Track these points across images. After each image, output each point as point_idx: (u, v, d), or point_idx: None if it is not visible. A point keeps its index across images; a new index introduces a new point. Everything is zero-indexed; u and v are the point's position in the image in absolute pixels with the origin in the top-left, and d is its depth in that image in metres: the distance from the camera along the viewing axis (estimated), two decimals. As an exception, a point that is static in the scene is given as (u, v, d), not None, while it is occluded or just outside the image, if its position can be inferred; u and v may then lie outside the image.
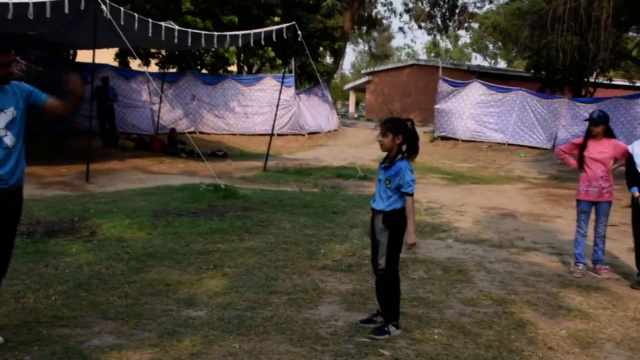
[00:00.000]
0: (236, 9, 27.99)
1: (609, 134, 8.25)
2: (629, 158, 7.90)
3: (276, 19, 27.85)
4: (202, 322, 5.63)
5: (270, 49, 29.33)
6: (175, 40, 16.31)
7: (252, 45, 24.88)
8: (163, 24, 15.89)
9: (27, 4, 12.38)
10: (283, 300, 6.35)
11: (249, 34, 18.09)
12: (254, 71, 32.64)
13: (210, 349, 5.04)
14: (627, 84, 38.61)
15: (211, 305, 6.07)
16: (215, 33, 17.72)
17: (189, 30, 16.74)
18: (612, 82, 36.87)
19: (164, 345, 5.07)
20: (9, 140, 4.75)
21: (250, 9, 28.27)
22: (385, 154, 5.69)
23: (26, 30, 13.97)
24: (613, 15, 23.48)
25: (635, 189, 7.77)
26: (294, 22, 18.77)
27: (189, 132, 24.60)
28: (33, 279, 6.69)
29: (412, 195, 5.54)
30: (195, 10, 26.13)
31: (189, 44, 17.50)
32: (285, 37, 18.60)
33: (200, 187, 13.46)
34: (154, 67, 29.23)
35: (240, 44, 25.32)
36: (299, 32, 18.13)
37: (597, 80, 33.31)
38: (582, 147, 8.27)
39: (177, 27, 16.41)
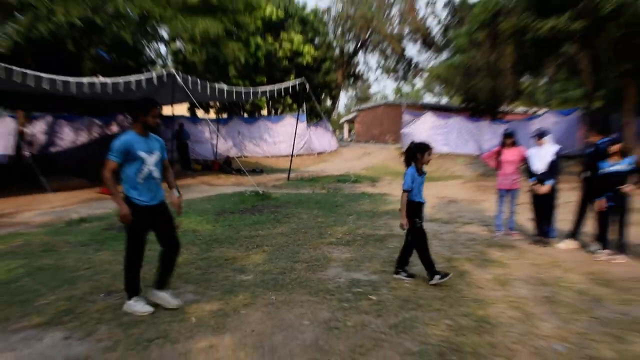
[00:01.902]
0: (264, 72, 28.27)
1: (516, 144, 8.33)
2: (527, 160, 7.99)
3: (292, 77, 28.01)
4: (250, 283, 5.70)
5: (288, 97, 29.50)
6: (225, 96, 16.40)
7: (276, 96, 25.04)
8: (217, 85, 15.97)
9: (131, 81, 12.83)
10: (303, 267, 6.40)
11: (274, 88, 18.16)
12: (278, 113, 32.75)
13: (256, 301, 5.12)
14: (525, 110, 38.57)
15: (255, 272, 6.12)
16: (251, 89, 17.79)
17: (234, 87, 16.81)
18: (515, 110, 36.85)
19: (226, 299, 5.16)
20: (156, 173, 4.83)
21: (274, 72, 28.51)
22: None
23: (129, 96, 14.16)
24: (512, 66, 23.49)
25: (532, 179, 7.85)
26: (303, 78, 18.79)
27: (237, 157, 24.72)
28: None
29: None
30: (237, 75, 26.35)
31: (234, 98, 17.55)
32: (298, 89, 18.64)
33: (245, 193, 13.49)
34: (212, 114, 29.48)
35: (268, 96, 25.49)
36: (307, 85, 18.14)
37: (506, 108, 33.26)
38: (499, 153, 8.34)
39: (226, 87, 16.47)
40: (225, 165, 21.74)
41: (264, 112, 32.40)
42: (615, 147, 6.89)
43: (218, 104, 27.72)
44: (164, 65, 23.81)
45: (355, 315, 4.76)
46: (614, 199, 6.87)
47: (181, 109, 26.14)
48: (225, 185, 16.49)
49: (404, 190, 5.85)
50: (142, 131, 4.79)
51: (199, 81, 14.56)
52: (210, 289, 5.51)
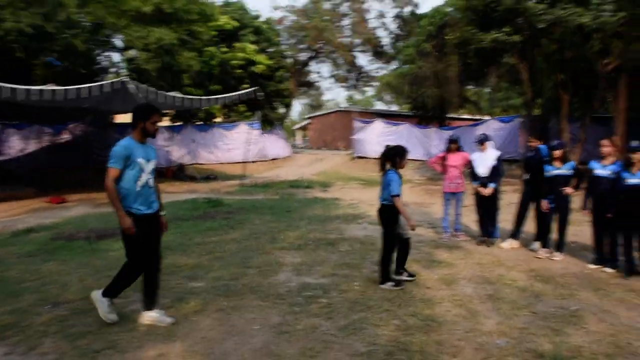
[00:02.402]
0: (219, 81, 28.03)
1: (460, 149, 8.47)
2: (471, 164, 8.14)
3: (246, 85, 27.81)
4: (201, 290, 5.58)
5: (243, 105, 29.32)
6: (179, 104, 16.13)
7: (229, 104, 24.85)
8: (171, 93, 15.71)
9: (83, 89, 12.45)
10: (255, 272, 6.31)
11: (227, 96, 18.02)
12: (232, 121, 32.51)
13: (207, 307, 5.01)
14: (470, 117, 39.48)
15: (207, 279, 6.00)
16: (205, 97, 17.59)
17: (188, 96, 16.58)
18: (462, 117, 37.68)
19: (177, 306, 5.04)
20: (152, 182, 4.60)
21: (228, 80, 28.30)
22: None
23: (82, 104, 13.78)
24: (458, 75, 24.02)
25: (475, 183, 8.00)
26: (257, 87, 18.71)
27: (191, 164, 24.37)
28: (91, 268, 6.56)
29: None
30: (192, 83, 26.02)
31: (188, 106, 17.30)
32: (251, 97, 18.53)
33: (198, 200, 13.30)
34: (166, 122, 29.00)
35: (221, 104, 25.26)
36: (261, 94, 18.06)
37: (452, 115, 33.95)
38: (444, 158, 8.47)
39: (180, 95, 16.23)
40: (178, 172, 21.39)
41: (218, 119, 32.08)
42: (558, 153, 7.10)
43: (172, 111, 27.26)
44: (118, 73, 23.29)
45: (306, 319, 4.71)
46: (555, 201, 7.07)
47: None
48: (178, 192, 16.17)
49: (396, 195, 5.65)
50: (141, 138, 4.55)
51: (150, 89, 14.26)
52: (160, 296, 5.33)
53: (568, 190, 7.01)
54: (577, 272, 6.40)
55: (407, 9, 37.83)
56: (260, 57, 29.86)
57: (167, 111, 27.40)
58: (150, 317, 4.64)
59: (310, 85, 47.03)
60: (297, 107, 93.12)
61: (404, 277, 5.91)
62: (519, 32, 15.22)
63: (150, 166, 4.58)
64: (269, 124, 30.82)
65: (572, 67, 17.86)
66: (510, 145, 21.89)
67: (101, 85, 12.88)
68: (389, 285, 5.64)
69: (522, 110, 26.17)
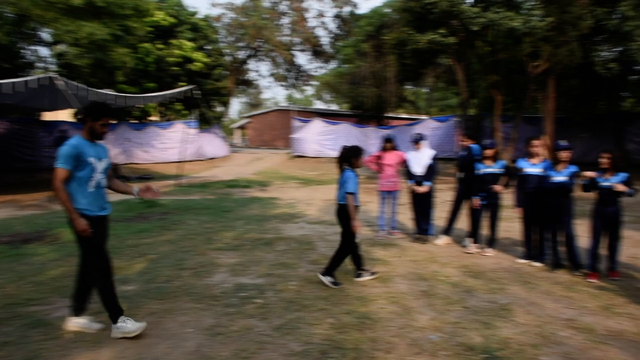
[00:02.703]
0: (154, 79, 27.43)
1: (395, 148, 8.61)
2: (407, 163, 8.29)
3: (182, 83, 27.34)
4: (132, 293, 5.41)
5: (179, 103, 28.80)
6: (112, 101, 15.63)
7: (166, 102, 24.36)
8: (103, 91, 15.23)
9: (8, 83, 11.76)
10: (189, 274, 6.19)
11: (163, 94, 17.62)
12: (168, 119, 31.88)
13: (138, 311, 4.86)
14: (408, 116, 40.30)
15: (139, 282, 5.83)
16: (140, 95, 17.16)
17: (122, 94, 16.13)
18: (400, 116, 38.37)
19: (105, 311, 4.86)
20: (104, 182, 4.43)
21: (164, 78, 27.74)
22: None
23: (5, 100, 13.10)
24: (396, 76, 24.44)
25: (411, 181, 8.16)
26: (194, 85, 18.41)
27: (125, 164, 23.65)
28: (13, 273, 6.23)
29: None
30: (126, 80, 25.35)
31: (121, 103, 16.79)
32: (189, 95, 18.20)
33: (132, 200, 12.94)
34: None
35: (157, 102, 24.72)
36: (198, 92, 17.76)
37: (390, 115, 34.53)
38: (379, 157, 8.58)
39: (113, 93, 15.75)
40: (112, 172, 20.73)
41: (154, 118, 31.38)
42: (489, 152, 7.33)
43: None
44: (46, 69, 22.35)
45: (240, 320, 4.66)
46: (486, 198, 7.31)
47: (65, 115, 24.64)
48: (111, 193, 15.67)
49: (350, 193, 5.74)
50: (89, 137, 4.33)
51: (81, 86, 13.76)
52: (89, 302, 5.17)
53: (498, 187, 7.25)
54: (507, 267, 6.63)
55: (346, 9, 38.23)
56: (198, 55, 29.46)
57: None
58: (76, 323, 4.46)
59: (249, 83, 46.81)
60: (236, 105, 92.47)
61: (368, 276, 5.97)
62: (454, 34, 15.66)
63: (102, 165, 4.38)
64: (206, 122, 30.38)
65: (505, 68, 18.55)
66: (446, 144, 22.51)
67: (26, 80, 12.27)
68: (328, 280, 5.69)
69: (458, 110, 26.94)
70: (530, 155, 6.92)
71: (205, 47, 32.24)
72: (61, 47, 22.82)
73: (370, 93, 27.58)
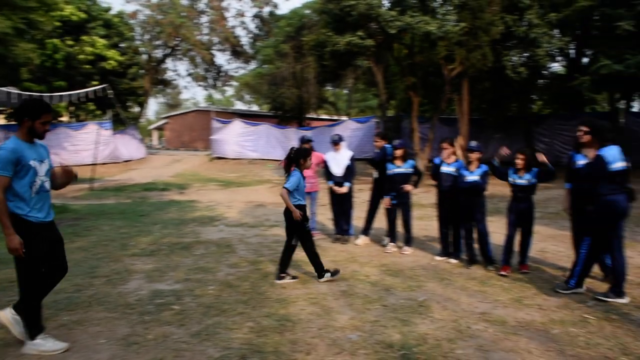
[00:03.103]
0: (64, 77, 26.22)
1: (313, 149, 8.65)
2: (325, 163, 8.38)
3: (95, 82, 26.29)
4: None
5: (92, 104, 27.68)
6: (16, 100, 14.78)
7: (77, 101, 23.28)
8: (5, 89, 14.36)
9: None
10: (102, 282, 5.95)
11: (73, 94, 16.85)
12: (80, 120, 30.58)
13: (46, 324, 4.59)
14: (329, 117, 40.80)
15: (47, 290, 5.56)
16: (47, 94, 16.33)
17: (28, 92, 15.30)
18: (320, 117, 38.78)
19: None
20: (47, 184, 4.12)
21: (74, 76, 26.58)
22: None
23: None
24: (316, 77, 24.65)
25: (331, 182, 8.25)
26: (107, 85, 17.77)
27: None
28: None
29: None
30: (32, 78, 24.08)
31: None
32: (102, 94, 17.53)
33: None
34: (1, 120, 26.60)
35: (67, 101, 23.62)
36: (111, 91, 17.16)
37: (311, 115, 34.81)
38: (298, 159, 8.60)
39: (17, 91, 14.90)
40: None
41: (64, 118, 29.99)
42: (399, 152, 7.53)
43: (9, 109, 25.00)
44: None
45: (157, 328, 4.52)
46: (397, 197, 7.50)
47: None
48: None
49: (286, 188, 5.92)
50: (28, 138, 4.02)
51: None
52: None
53: (408, 187, 7.48)
54: (424, 264, 6.83)
55: (266, 10, 38.13)
56: (112, 53, 28.41)
57: (2, 108, 25.16)
58: (35, 345, 4.10)
59: (166, 83, 45.69)
60: (153, 106, 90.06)
61: (288, 279, 6.00)
62: (372, 37, 15.97)
63: (44, 167, 4.10)
64: (121, 123, 29.42)
65: (422, 71, 19.14)
66: (366, 145, 22.89)
67: None
68: (327, 276, 5.95)
69: (378, 111, 27.53)
70: (445, 155, 7.17)
71: (119, 45, 31.16)
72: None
73: (291, 94, 27.67)
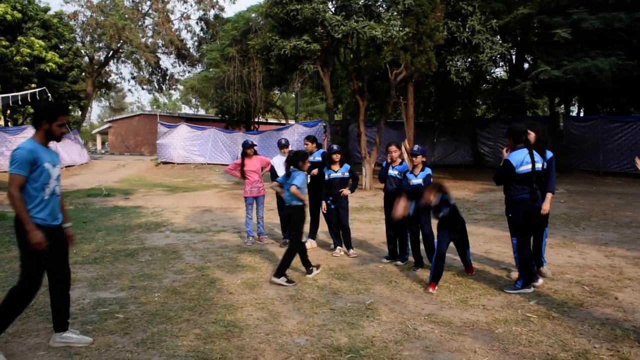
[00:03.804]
0: (-1, 79, 25.22)
1: (257, 153, 8.70)
2: (272, 167, 8.40)
3: (33, 85, 25.39)
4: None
5: (29, 106, 26.71)
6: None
7: (12, 104, 22.41)
8: None
9: None
10: (41, 291, 5.60)
11: (8, 96, 16.26)
12: (17, 124, 29.43)
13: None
14: (277, 121, 40.79)
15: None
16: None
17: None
18: (268, 121, 38.73)
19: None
20: (58, 189, 4.17)
21: (10, 78, 25.60)
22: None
23: None
24: (262, 81, 24.63)
25: (274, 183, 8.26)
26: (44, 88, 17.24)
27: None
28: None
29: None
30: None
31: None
32: (38, 98, 16.99)
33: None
34: None
35: (2, 104, 22.69)
36: (49, 95, 16.64)
37: (259, 120, 34.71)
38: (242, 164, 8.57)
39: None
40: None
41: (0, 122, 28.83)
42: (335, 157, 7.64)
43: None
44: None
45: (100, 337, 4.42)
46: (334, 202, 7.59)
47: None
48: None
49: (296, 185, 6.38)
50: (44, 140, 4.07)
51: None
52: None
53: (345, 192, 7.60)
54: (372, 267, 6.92)
55: (212, 13, 37.73)
56: (51, 55, 27.47)
57: None
58: (63, 338, 4.24)
59: (110, 86, 44.56)
60: (96, 109, 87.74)
61: (283, 282, 6.08)
62: (318, 41, 16.06)
63: (56, 172, 4.15)
64: (62, 127, 28.55)
65: (368, 75, 19.39)
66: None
67: None
68: (283, 280, 6.06)
69: (325, 115, 27.68)
70: (391, 159, 7.29)
71: (59, 47, 30.18)
72: None
73: (238, 98, 27.45)
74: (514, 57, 22.53)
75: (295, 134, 24.62)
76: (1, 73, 25.39)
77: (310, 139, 8.38)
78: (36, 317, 4.96)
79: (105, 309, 5.14)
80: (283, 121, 39.59)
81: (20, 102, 19.19)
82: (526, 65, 22.77)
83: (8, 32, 26.29)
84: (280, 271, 6.12)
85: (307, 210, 6.67)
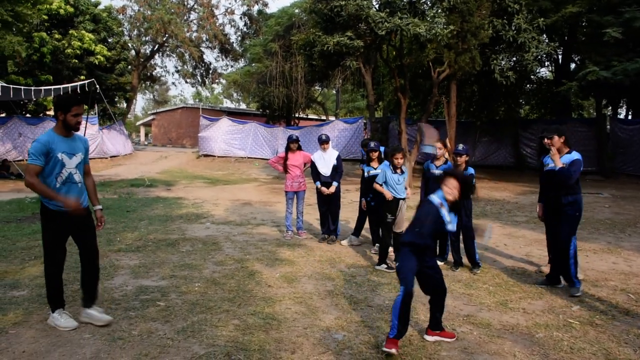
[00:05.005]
0: (51, 71, 25.96)
1: (300, 148, 8.70)
2: (313, 163, 8.39)
3: (82, 77, 26.08)
4: (23, 299, 5.10)
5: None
6: (1, 93, 14.64)
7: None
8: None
9: None
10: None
11: (59, 87, 16.70)
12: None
13: (30, 318, 4.59)
14: (317, 117, 40.82)
15: (31, 286, 5.50)
16: (33, 88, 16.17)
17: (14, 86, 15.13)
18: (309, 117, 38.81)
19: (-8, 318, 4.57)
20: (77, 176, 4.43)
21: (61, 71, 26.35)
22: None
23: None
24: (304, 76, 24.65)
25: (318, 183, 8.27)
26: (93, 80, 17.63)
27: (18, 160, 22.14)
28: None
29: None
30: (18, 71, 23.84)
31: (12, 96, 15.75)
32: (87, 90, 17.40)
33: (25, 200, 12.19)
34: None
35: (53, 96, 23.37)
36: (97, 87, 17.02)
37: (299, 115, 34.79)
38: (285, 158, 8.61)
39: (2, 84, 14.74)
40: (2, 170, 19.43)
41: (51, 112, 29.67)
42: (374, 154, 7.60)
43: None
44: None
45: (142, 324, 4.51)
46: (374, 199, 7.55)
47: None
48: (1, 191, 14.68)
49: (378, 183, 6.89)
50: (63, 131, 4.36)
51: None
52: (-27, 307, 4.83)
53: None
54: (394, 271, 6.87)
55: (256, 8, 38.01)
56: (99, 48, 28.18)
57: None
58: (87, 314, 4.54)
59: (154, 79, 45.42)
60: (141, 102, 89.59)
61: (383, 268, 6.64)
62: (361, 37, 15.98)
63: (74, 161, 4.41)
64: (108, 119, 29.24)
65: (410, 72, 19.20)
66: (354, 145, 22.94)
67: None
68: (383, 266, 6.64)
69: (366, 112, 27.57)
70: (434, 157, 7.20)
71: (107, 40, 30.92)
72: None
73: (279, 93, 27.60)
74: (560, 56, 21.98)
75: (336, 130, 24.58)
76: (53, 65, 26.18)
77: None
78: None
79: (147, 297, 5.25)
80: (323, 117, 39.60)
81: (70, 93, 19.67)
82: (573, 66, 22.17)
83: (61, 26, 27.13)
84: (381, 259, 6.74)
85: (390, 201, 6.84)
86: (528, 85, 23.55)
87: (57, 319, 4.42)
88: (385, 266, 6.66)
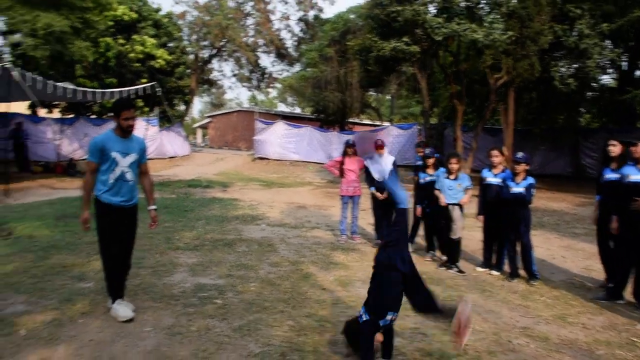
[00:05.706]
0: (115, 74, 26.97)
1: (357, 153, 8.71)
2: (367, 169, 8.40)
3: (144, 80, 26.93)
4: (89, 290, 5.35)
5: (140, 100, 28.37)
6: (70, 95, 15.29)
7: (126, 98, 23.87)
8: (60, 84, 14.87)
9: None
10: (148, 272, 6.13)
11: (123, 90, 17.31)
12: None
13: (96, 309, 4.82)
14: (371, 122, 40.67)
15: (96, 279, 5.72)
16: (99, 90, 16.83)
17: (82, 88, 15.78)
18: (362, 122, 38.77)
19: (62, 308, 4.80)
20: (129, 175, 4.71)
21: (125, 74, 27.32)
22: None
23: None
24: (359, 81, 24.62)
25: (372, 188, 8.26)
26: (155, 82, 18.19)
27: (83, 159, 23.04)
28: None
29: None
30: (85, 75, 24.84)
31: (80, 98, 16.42)
32: (149, 92, 17.95)
33: (92, 196, 12.68)
34: (57, 114, 27.50)
35: (117, 98, 24.25)
36: (159, 89, 17.54)
37: (353, 120, 34.79)
38: (342, 162, 8.65)
39: (72, 87, 15.38)
40: (69, 168, 20.27)
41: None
42: (430, 161, 7.55)
43: (64, 103, 25.84)
44: (0, 58, 21.64)
45: (200, 320, 4.65)
46: (429, 206, 7.49)
47: (20, 107, 23.95)
48: (69, 188, 15.30)
49: (437, 189, 7.23)
50: (120, 132, 4.68)
51: (38, 78, 13.41)
52: (44, 298, 5.07)
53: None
54: (466, 275, 6.78)
55: (311, 13, 38.30)
56: (160, 52, 29.06)
57: (58, 102, 26.03)
58: (113, 309, 4.72)
59: (212, 83, 46.33)
60: (198, 105, 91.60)
61: (454, 271, 6.93)
62: (417, 43, 15.90)
63: (128, 160, 4.68)
64: (167, 120, 30.03)
65: (467, 79, 18.94)
66: (408, 151, 22.75)
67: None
68: (454, 270, 6.92)
69: (421, 118, 27.32)
70: (492, 165, 7.09)
71: (168, 45, 31.83)
72: (16, 37, 22.13)
73: (334, 98, 27.68)
74: (625, 63, 21.15)
75: (390, 136, 24.43)
76: (117, 69, 27.19)
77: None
78: (143, 295, 5.29)
79: (205, 294, 5.39)
80: (377, 122, 39.46)
81: (135, 96, 20.32)
82: (638, 73, 21.30)
83: (125, 31, 28.13)
84: (452, 261, 7.03)
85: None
86: (589, 93, 22.74)
87: (117, 309, 4.65)
88: (457, 269, 6.89)
